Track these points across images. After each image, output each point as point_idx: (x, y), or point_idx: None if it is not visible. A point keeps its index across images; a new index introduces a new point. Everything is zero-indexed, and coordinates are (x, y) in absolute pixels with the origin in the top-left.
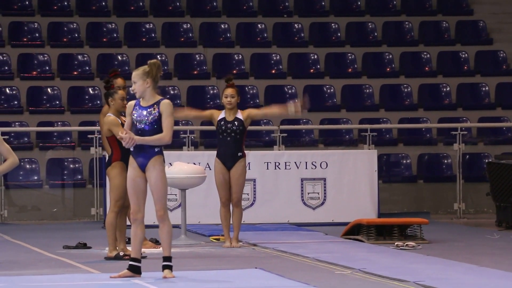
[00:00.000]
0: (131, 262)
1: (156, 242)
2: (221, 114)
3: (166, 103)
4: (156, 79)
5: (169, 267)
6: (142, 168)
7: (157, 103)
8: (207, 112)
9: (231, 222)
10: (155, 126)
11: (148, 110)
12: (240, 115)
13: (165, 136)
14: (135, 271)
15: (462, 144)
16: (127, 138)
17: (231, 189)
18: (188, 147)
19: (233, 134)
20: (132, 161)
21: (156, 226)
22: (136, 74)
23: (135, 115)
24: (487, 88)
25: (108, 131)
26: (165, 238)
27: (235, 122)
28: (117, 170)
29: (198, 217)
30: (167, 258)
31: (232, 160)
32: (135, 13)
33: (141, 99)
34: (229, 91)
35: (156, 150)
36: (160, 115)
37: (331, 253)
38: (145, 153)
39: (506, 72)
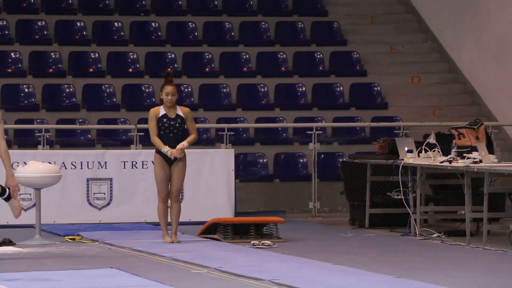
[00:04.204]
0: None
1: (9, 243)
2: (161, 111)
3: None
4: None
5: None
6: None
7: None
8: (153, 119)
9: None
10: None
11: None
12: (180, 111)
13: None
14: None
15: (317, 143)
16: None
17: (170, 184)
18: (44, 146)
19: (175, 131)
20: None
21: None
22: None
23: None
24: (341, 89)
25: None
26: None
27: (178, 120)
28: None
29: (53, 217)
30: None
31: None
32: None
33: None
34: (170, 89)
35: None
36: None
37: (188, 252)
38: None
39: (360, 73)
